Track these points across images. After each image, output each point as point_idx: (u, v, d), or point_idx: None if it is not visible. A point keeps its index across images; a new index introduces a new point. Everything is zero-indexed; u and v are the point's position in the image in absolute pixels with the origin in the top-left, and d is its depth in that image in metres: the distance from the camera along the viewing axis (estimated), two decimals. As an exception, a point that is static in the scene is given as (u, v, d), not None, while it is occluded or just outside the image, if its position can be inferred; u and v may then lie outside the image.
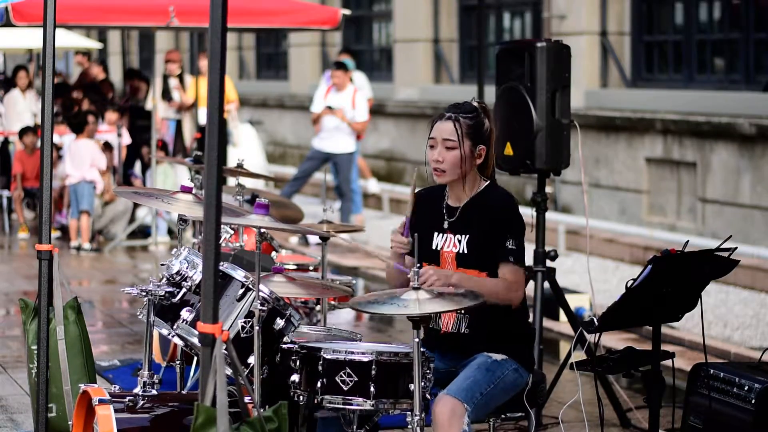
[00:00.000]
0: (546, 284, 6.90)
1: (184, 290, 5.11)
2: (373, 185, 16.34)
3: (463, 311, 4.96)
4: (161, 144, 14.50)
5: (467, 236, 4.97)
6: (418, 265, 4.64)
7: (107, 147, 14.29)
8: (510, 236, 4.90)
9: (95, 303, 10.40)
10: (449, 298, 4.72)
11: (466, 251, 4.95)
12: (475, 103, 5.08)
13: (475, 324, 4.96)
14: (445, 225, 5.04)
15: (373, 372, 4.61)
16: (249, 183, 9.86)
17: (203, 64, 14.98)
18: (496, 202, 4.98)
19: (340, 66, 14.18)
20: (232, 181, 8.88)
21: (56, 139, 14.42)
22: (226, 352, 3.77)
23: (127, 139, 15.51)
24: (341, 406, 4.66)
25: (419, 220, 5.10)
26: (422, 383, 4.55)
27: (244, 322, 4.94)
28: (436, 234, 5.05)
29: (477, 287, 4.80)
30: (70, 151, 13.70)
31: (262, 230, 5.02)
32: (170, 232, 13.54)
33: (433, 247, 5.04)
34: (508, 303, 4.92)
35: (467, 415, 4.67)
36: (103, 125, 15.01)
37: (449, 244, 5.00)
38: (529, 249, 6.84)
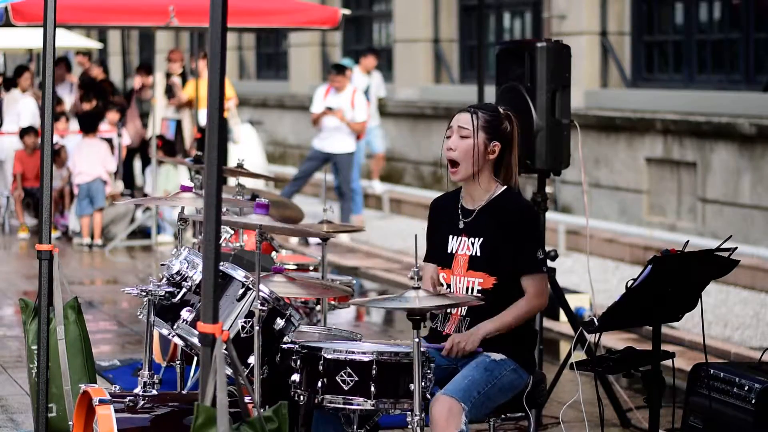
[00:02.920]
0: (546, 284, 6.91)
1: (184, 290, 5.11)
2: (377, 186, 16.34)
3: (465, 315, 4.97)
4: (162, 143, 14.50)
5: (481, 239, 4.98)
6: (416, 268, 4.63)
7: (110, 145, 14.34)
8: (538, 246, 4.98)
9: (95, 303, 10.40)
10: (450, 297, 4.73)
11: (478, 254, 4.97)
12: (501, 108, 5.11)
13: (476, 325, 4.97)
14: (461, 225, 5.05)
15: (374, 372, 4.61)
16: (249, 183, 9.86)
17: (202, 64, 14.99)
18: (517, 210, 5.00)
19: (340, 70, 14.19)
20: (232, 181, 8.88)
21: (56, 139, 14.42)
22: (226, 352, 3.77)
23: (126, 139, 15.53)
24: (342, 406, 4.66)
25: (435, 228, 5.12)
26: (422, 383, 4.54)
27: (244, 322, 4.94)
28: (451, 237, 5.06)
29: (506, 323, 4.91)
30: (81, 150, 13.72)
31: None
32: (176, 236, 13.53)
33: (448, 251, 5.05)
34: (539, 311, 5.07)
35: (464, 415, 4.67)
36: (104, 125, 15.02)
37: (463, 246, 5.01)
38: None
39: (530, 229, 4.98)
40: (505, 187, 5.07)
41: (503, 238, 4.94)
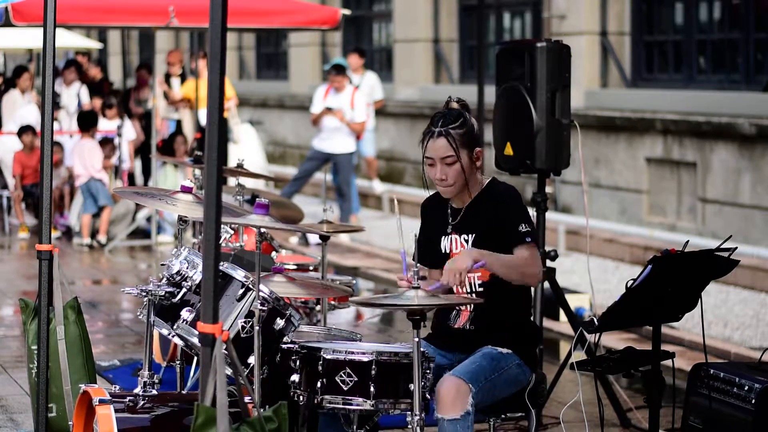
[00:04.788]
0: (546, 284, 6.91)
1: (184, 290, 5.11)
2: (377, 186, 16.34)
3: (472, 310, 4.98)
4: (162, 144, 14.51)
5: (473, 235, 5.00)
6: (415, 268, 4.62)
7: (108, 143, 14.33)
8: (522, 221, 4.93)
9: (95, 303, 10.40)
10: (448, 297, 4.74)
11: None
12: (455, 104, 5.08)
13: (480, 321, 4.98)
14: (449, 229, 5.06)
15: (373, 372, 4.61)
16: (249, 183, 9.86)
17: (202, 64, 15.01)
18: (501, 195, 5.01)
19: (340, 70, 14.19)
20: (232, 181, 8.89)
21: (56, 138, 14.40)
22: (226, 352, 3.77)
23: (131, 134, 15.48)
24: (341, 406, 4.66)
25: (427, 229, 5.13)
26: (422, 383, 4.55)
27: (244, 322, 4.94)
28: (443, 238, 5.08)
29: (499, 261, 4.83)
30: (78, 150, 13.72)
31: (262, 230, 5.03)
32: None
33: (442, 251, 5.07)
34: (527, 281, 4.95)
35: (471, 396, 4.68)
36: (109, 124, 15.01)
37: (456, 245, 5.03)
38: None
39: (513, 206, 4.96)
40: (490, 179, 5.09)
41: (492, 227, 4.96)
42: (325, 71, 16.82)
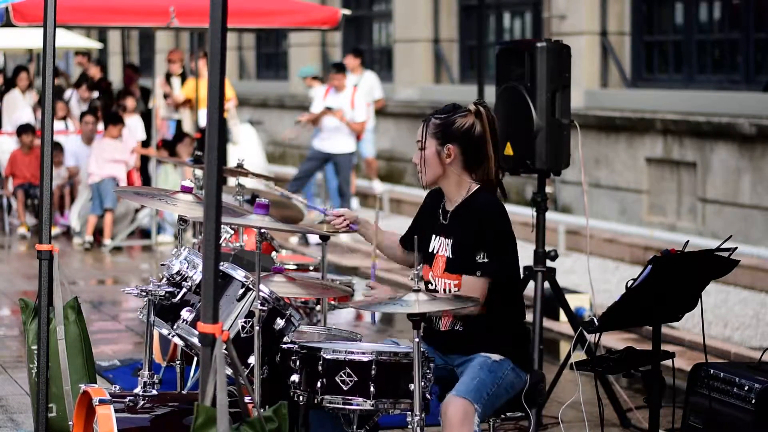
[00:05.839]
0: (546, 284, 6.91)
1: (184, 290, 5.11)
2: (377, 186, 16.34)
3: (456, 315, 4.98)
4: (162, 143, 14.50)
5: (452, 241, 4.98)
6: (419, 267, 4.63)
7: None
8: (482, 249, 4.85)
9: (95, 303, 10.40)
10: (447, 301, 4.74)
11: (451, 256, 4.97)
12: (472, 106, 5.03)
13: (469, 323, 4.97)
14: (439, 226, 5.06)
15: (373, 372, 4.61)
16: (249, 183, 9.86)
17: (202, 64, 15.01)
18: (479, 212, 4.92)
19: (340, 69, 14.19)
20: (232, 181, 8.88)
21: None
22: (226, 352, 3.77)
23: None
24: (341, 406, 4.66)
25: (423, 220, 5.13)
26: (422, 383, 4.55)
27: (244, 322, 4.94)
28: (433, 236, 5.07)
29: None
30: (97, 149, 13.69)
31: (262, 230, 5.03)
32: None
33: (430, 250, 5.06)
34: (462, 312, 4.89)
35: (477, 416, 4.69)
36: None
37: (440, 248, 5.03)
38: (529, 249, 6.87)
39: (483, 229, 4.87)
40: (478, 186, 5.00)
41: (468, 239, 4.92)
42: (325, 72, 16.81)
